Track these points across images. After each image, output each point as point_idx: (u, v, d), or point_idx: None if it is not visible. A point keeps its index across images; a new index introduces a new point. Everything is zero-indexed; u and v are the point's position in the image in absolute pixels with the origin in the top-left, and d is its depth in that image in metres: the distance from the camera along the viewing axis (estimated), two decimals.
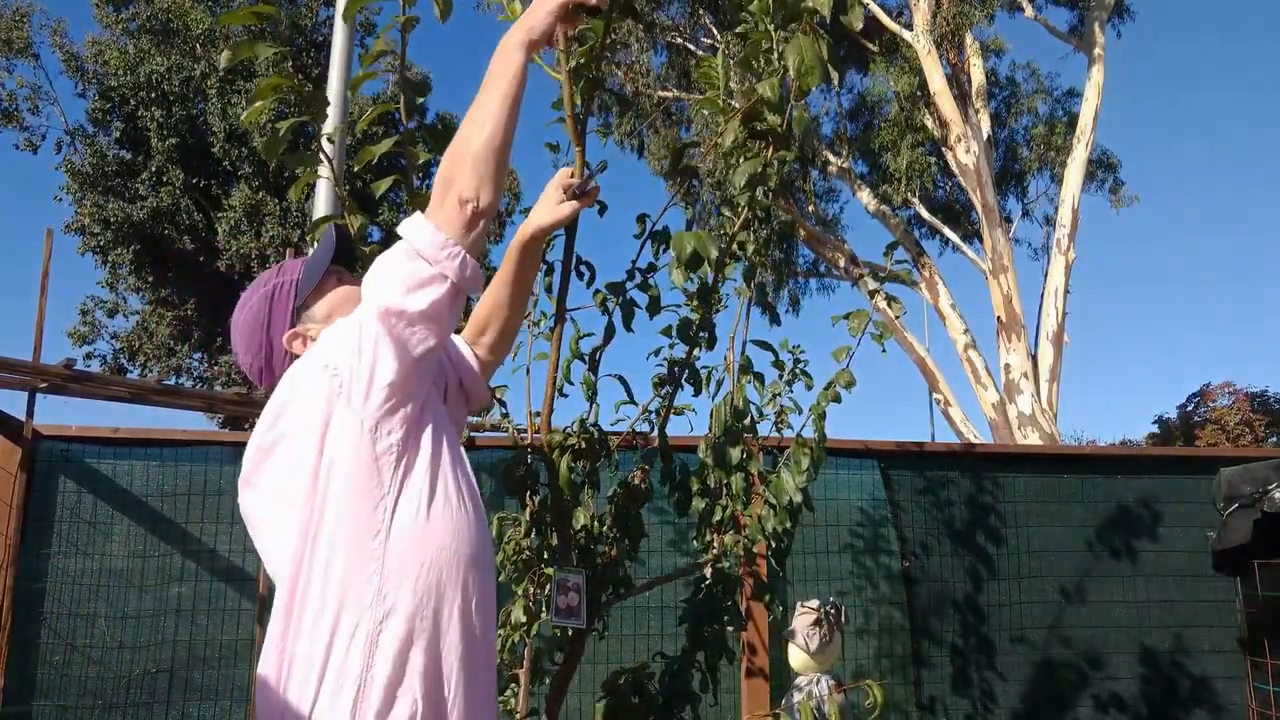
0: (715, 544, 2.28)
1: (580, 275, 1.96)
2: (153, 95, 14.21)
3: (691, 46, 14.14)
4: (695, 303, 2.03)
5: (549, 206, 1.54)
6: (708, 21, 14.02)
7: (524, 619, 2.19)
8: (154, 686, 3.28)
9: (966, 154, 12.18)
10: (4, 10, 15.47)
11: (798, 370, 2.43)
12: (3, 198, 30.85)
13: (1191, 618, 3.91)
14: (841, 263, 14.16)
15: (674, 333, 2.09)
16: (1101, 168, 14.53)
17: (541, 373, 1.96)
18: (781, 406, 2.45)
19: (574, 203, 1.54)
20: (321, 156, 1.91)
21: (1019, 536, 3.91)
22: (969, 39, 12.88)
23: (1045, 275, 12.18)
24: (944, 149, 12.61)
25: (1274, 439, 17.51)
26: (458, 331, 1.61)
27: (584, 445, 2.02)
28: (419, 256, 1.23)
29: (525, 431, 2.30)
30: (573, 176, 1.61)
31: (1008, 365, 11.72)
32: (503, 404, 2.48)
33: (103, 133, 15.10)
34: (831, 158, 14.21)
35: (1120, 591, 3.91)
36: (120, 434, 3.43)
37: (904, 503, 3.85)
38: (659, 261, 2.09)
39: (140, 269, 15.01)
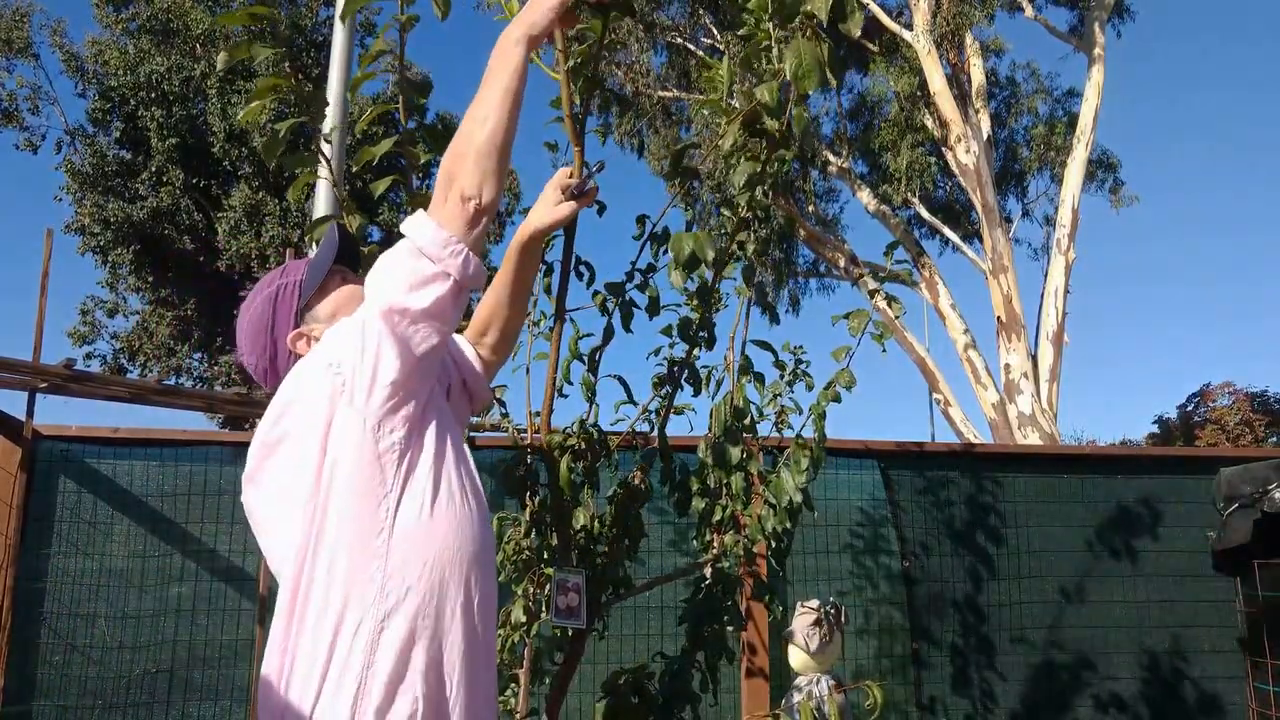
0: (715, 544, 2.28)
1: (580, 275, 1.96)
2: (153, 95, 14.22)
3: (691, 46, 14.14)
4: (695, 302, 2.03)
5: (547, 207, 1.54)
6: (708, 21, 14.02)
7: (524, 619, 2.19)
8: (154, 686, 3.28)
9: (966, 154, 12.18)
10: (4, 10, 15.49)
11: (798, 370, 2.43)
12: (3, 198, 30.90)
13: (1191, 618, 3.91)
14: (841, 263, 14.16)
15: (674, 332, 2.09)
16: (1101, 168, 14.53)
17: (541, 373, 1.96)
18: (782, 406, 2.45)
19: (573, 203, 1.54)
20: (320, 157, 1.91)
21: (1019, 536, 3.91)
22: (969, 39, 12.88)
23: (1045, 275, 12.19)
24: (944, 149, 12.61)
25: (1274, 439, 17.51)
26: (459, 333, 1.61)
27: (584, 445, 2.02)
28: (422, 254, 1.22)
29: (525, 431, 2.30)
30: (571, 176, 1.60)
31: (1008, 365, 11.72)
32: (502, 404, 2.48)
33: (103, 133, 15.12)
34: (831, 158, 14.21)
35: (1120, 591, 3.91)
36: (120, 434, 3.43)
37: (904, 503, 3.85)
38: (658, 262, 2.09)
39: (140, 269, 15.02)
